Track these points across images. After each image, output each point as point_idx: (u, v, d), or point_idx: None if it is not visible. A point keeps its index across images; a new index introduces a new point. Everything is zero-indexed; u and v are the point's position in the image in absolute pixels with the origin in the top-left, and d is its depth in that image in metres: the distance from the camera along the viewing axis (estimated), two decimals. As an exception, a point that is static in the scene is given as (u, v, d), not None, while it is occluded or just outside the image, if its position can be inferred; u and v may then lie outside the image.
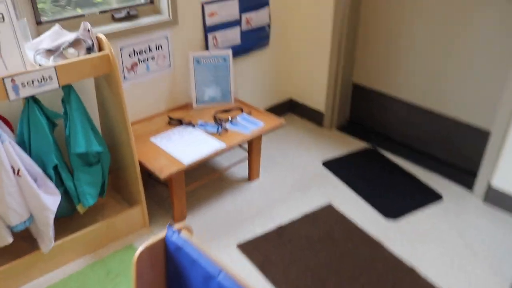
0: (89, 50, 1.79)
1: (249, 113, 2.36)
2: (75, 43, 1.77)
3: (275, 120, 2.30)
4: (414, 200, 2.28)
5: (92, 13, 2.06)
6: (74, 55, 1.74)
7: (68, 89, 1.77)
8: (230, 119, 2.29)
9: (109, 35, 2.02)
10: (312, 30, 2.75)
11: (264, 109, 2.94)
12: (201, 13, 2.32)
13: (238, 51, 2.57)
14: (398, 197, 2.30)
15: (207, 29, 2.38)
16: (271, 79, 2.88)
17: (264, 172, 2.50)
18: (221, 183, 2.41)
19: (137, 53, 2.17)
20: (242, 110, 2.41)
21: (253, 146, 2.34)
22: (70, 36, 1.77)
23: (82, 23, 1.84)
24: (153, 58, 2.23)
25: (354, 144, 2.75)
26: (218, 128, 2.20)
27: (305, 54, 2.87)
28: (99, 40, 1.77)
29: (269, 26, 2.67)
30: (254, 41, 2.63)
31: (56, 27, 1.82)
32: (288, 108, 3.12)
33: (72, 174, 1.87)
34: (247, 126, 2.25)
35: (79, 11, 2.04)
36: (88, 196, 1.91)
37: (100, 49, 1.78)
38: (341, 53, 2.69)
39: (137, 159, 1.94)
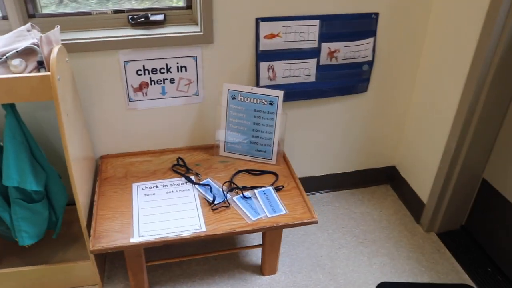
0: (42, 64, 1.35)
1: (279, 189, 1.64)
2: (27, 53, 1.35)
3: (306, 213, 1.53)
4: None
5: (103, 11, 1.60)
6: (18, 68, 1.33)
7: (6, 109, 1.38)
8: (242, 191, 1.62)
9: (111, 44, 1.55)
10: (435, 85, 1.79)
11: (351, 171, 2.12)
12: (255, 33, 1.65)
13: (310, 92, 1.82)
14: None
15: (260, 56, 1.69)
16: (366, 136, 2.03)
17: (286, 267, 1.76)
18: (221, 265, 1.78)
19: (148, 71, 1.64)
20: (276, 178, 1.69)
21: (266, 237, 1.64)
22: (26, 42, 1.36)
23: (56, 26, 1.42)
24: (172, 80, 1.68)
25: (449, 270, 1.75)
26: (216, 198, 1.56)
27: (419, 117, 1.92)
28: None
29: (370, 64, 1.82)
30: (340, 81, 1.83)
31: (24, 26, 1.42)
32: (386, 178, 2.21)
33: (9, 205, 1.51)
34: (259, 208, 1.55)
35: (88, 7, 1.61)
36: (25, 235, 1.53)
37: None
38: (468, 133, 1.68)
39: (82, 211, 1.47)
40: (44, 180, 1.50)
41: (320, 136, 1.98)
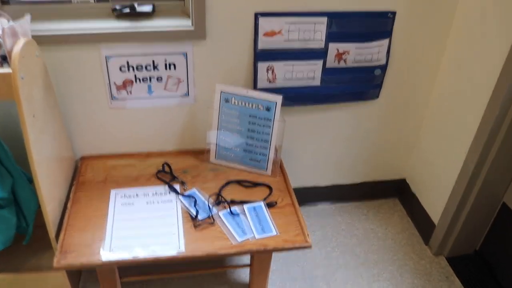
0: (6, 59, 1.20)
1: (272, 205, 1.47)
2: (-10, 45, 1.20)
3: (298, 236, 1.37)
4: None
5: (85, 0, 1.44)
6: (-22, 62, 1.18)
7: (-34, 106, 1.24)
8: (229, 206, 1.46)
9: (92, 37, 1.38)
10: (456, 94, 1.59)
11: (357, 182, 1.94)
12: (253, 29, 1.47)
13: (314, 97, 1.64)
14: None
15: (259, 55, 1.51)
16: (375, 146, 1.84)
17: (276, 287, 1.61)
18: (206, 282, 1.63)
19: (133, 68, 1.48)
20: (270, 192, 1.53)
21: (254, 258, 1.48)
22: (-12, 33, 1.21)
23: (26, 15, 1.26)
24: (159, 79, 1.52)
25: (457, 305, 1.58)
26: (200, 213, 1.41)
27: (436, 128, 1.72)
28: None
29: (383, 69, 1.62)
30: (348, 86, 1.64)
31: (-9, 13, 1.26)
32: (395, 191, 2.03)
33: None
34: (247, 227, 1.39)
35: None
36: (-9, 242, 1.41)
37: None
38: (492, 151, 1.49)
39: (49, 221, 1.33)
40: (9, 185, 1.36)
41: (324, 144, 1.80)
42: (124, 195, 1.49)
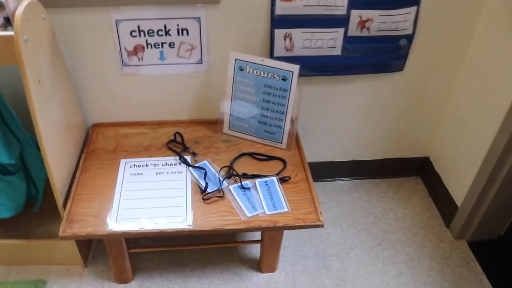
0: (9, 22, 1.15)
1: (285, 180, 1.41)
2: (-6, 6, 1.15)
3: (311, 214, 1.31)
4: None
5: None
6: (-19, 24, 1.14)
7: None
8: (240, 180, 1.40)
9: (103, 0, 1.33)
10: (489, 69, 1.47)
11: (377, 159, 1.86)
12: (270, -6, 1.38)
13: (334, 67, 1.55)
14: None
15: (276, 21, 1.42)
16: (397, 121, 1.74)
17: (287, 265, 1.56)
18: (216, 255, 1.60)
19: (144, 33, 1.42)
20: (284, 166, 1.47)
21: (265, 234, 1.43)
22: (-8, -6, 1.16)
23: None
24: (171, 44, 1.45)
25: (477, 290, 1.50)
26: (210, 186, 1.36)
27: (463, 105, 1.61)
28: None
29: (409, 38, 1.51)
30: (371, 57, 1.54)
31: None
32: (417, 170, 1.93)
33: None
34: (258, 202, 1.34)
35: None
36: (1, 207, 1.40)
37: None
38: (522, 132, 1.38)
39: (57, 189, 1.31)
40: (17, 151, 1.35)
41: (343, 117, 1.71)
42: (134, 165, 1.45)
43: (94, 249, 1.60)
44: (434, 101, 1.70)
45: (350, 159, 1.86)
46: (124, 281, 1.50)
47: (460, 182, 1.65)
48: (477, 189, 1.56)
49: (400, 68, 1.59)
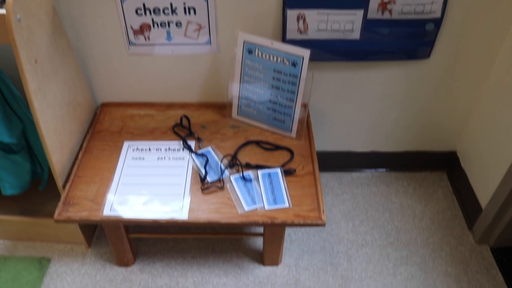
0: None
1: (290, 172, 1.34)
2: (-11, -18, 1.12)
3: (313, 212, 1.23)
4: None
5: None
6: (-24, 1, 1.11)
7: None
8: (242, 170, 1.34)
9: (104, -26, 1.27)
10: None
11: (399, 151, 1.74)
12: (282, -29, 1.27)
13: (352, 52, 1.43)
14: None
15: (289, 1, 1.32)
16: (422, 112, 1.61)
17: (292, 259, 1.50)
18: (219, 244, 1.56)
19: (150, 11, 1.36)
20: (291, 157, 1.39)
21: (266, 230, 1.37)
22: (-12, -31, 1.13)
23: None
24: (178, 24, 1.38)
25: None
26: (210, 175, 1.31)
27: (496, 98, 1.46)
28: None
29: (437, 23, 1.37)
30: (393, 42, 1.41)
31: None
32: (444, 164, 1.79)
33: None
34: (258, 195, 1.27)
35: None
36: (6, 184, 1.42)
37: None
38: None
39: (55, 170, 1.30)
40: (19, 130, 1.34)
41: (362, 106, 1.60)
42: (137, 148, 1.42)
43: (100, 229, 1.60)
44: (463, 92, 1.56)
45: (369, 150, 1.75)
46: (125, 264, 1.49)
47: (486, 181, 1.52)
48: (505, 191, 1.42)
49: (426, 55, 1.45)
